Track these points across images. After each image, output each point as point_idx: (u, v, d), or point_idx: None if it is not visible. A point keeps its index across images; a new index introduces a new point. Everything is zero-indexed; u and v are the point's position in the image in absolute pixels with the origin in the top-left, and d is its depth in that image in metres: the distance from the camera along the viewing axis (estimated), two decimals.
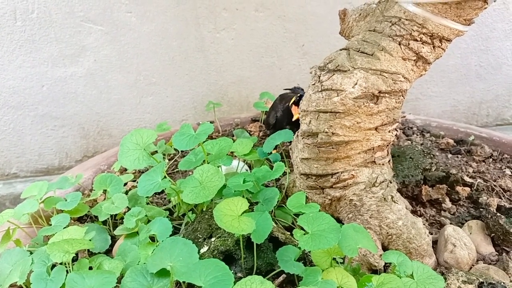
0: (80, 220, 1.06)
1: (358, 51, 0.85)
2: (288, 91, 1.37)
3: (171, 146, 1.31)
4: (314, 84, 0.86)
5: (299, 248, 0.76)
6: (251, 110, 1.95)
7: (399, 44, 0.84)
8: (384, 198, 0.88)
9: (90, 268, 0.82)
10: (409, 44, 0.84)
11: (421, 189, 1.09)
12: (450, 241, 0.90)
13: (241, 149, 1.08)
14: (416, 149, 1.15)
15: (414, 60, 0.85)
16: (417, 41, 0.84)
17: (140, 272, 0.72)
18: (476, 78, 2.04)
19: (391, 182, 0.91)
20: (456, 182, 1.12)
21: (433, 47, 0.85)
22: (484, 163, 1.29)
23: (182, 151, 1.36)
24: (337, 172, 0.89)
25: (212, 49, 1.82)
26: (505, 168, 1.26)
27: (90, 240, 0.88)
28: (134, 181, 1.21)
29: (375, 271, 0.87)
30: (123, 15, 1.70)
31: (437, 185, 1.11)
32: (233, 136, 1.45)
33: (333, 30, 1.86)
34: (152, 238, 0.88)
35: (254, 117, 1.60)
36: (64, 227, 0.89)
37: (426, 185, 1.11)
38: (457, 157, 1.33)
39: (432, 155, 1.15)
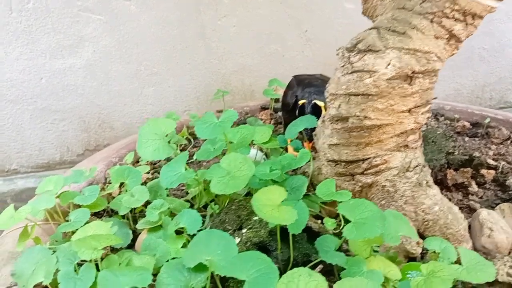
0: (97, 215, 1.01)
1: (389, 30, 0.81)
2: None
3: (183, 136, 1.27)
4: (343, 66, 0.83)
5: (339, 238, 0.73)
6: (255, 98, 1.91)
7: (431, 22, 0.81)
8: (419, 183, 0.85)
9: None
10: (441, 21, 0.80)
11: (445, 173, 1.07)
12: (486, 225, 0.87)
13: (260, 137, 1.04)
14: (438, 132, 1.13)
15: (447, 39, 0.82)
16: (450, 18, 0.80)
17: (175, 267, 0.68)
18: (479, 61, 2.01)
19: (424, 167, 0.88)
20: (480, 165, 1.09)
21: (466, 24, 0.82)
22: (502, 145, 1.27)
23: (195, 141, 1.32)
24: (369, 158, 0.86)
25: (214, 37, 1.77)
26: None
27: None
28: (148, 173, 1.16)
29: (411, 259, 0.84)
30: (122, 3, 1.64)
31: (461, 169, 1.08)
32: (245, 124, 1.41)
33: (336, 15, 1.83)
34: (178, 231, 0.84)
35: (264, 105, 1.56)
36: (85, 223, 0.85)
37: (449, 169, 1.09)
38: (474, 140, 1.31)
39: (454, 138, 1.12)
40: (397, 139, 0.85)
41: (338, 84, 0.83)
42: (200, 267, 0.67)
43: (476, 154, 1.12)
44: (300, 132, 1.02)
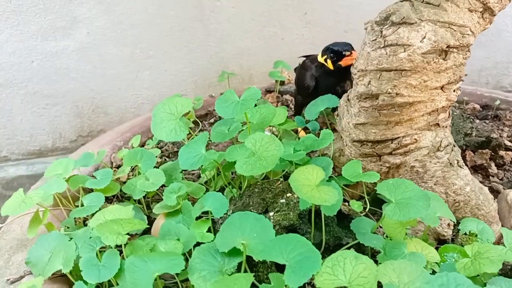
0: (106, 200, 0.96)
1: (422, 2, 0.78)
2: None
3: (190, 119, 1.22)
4: (375, 39, 0.78)
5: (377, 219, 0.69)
6: (253, 83, 1.86)
7: None
8: (450, 163, 0.82)
9: None
10: None
11: (464, 155, 1.04)
12: None
13: (276, 119, 1.00)
14: (455, 113, 1.10)
15: (481, 12, 0.79)
16: None
17: (208, 252, 0.64)
18: (476, 45, 1.97)
19: (455, 146, 0.85)
20: (499, 146, 1.07)
21: None
22: None
23: (203, 125, 1.28)
24: (398, 137, 0.82)
25: (212, 18, 1.71)
26: None
27: None
28: (156, 157, 1.11)
29: (442, 241, 0.81)
30: None
31: (479, 150, 1.05)
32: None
33: None
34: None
35: (268, 87, 1.52)
36: (100, 208, 0.80)
37: (467, 150, 1.06)
38: (485, 122, 1.28)
39: (471, 119, 1.10)
40: (428, 118, 0.81)
41: (368, 60, 0.79)
42: (234, 252, 0.63)
43: (494, 135, 1.10)
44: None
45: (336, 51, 1.03)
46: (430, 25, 0.75)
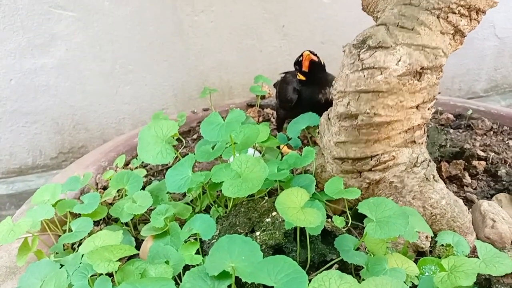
0: (94, 222, 0.97)
1: (397, 26, 0.81)
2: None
3: (173, 137, 1.23)
4: (353, 63, 0.82)
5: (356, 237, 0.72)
6: (233, 95, 1.89)
7: (438, 18, 0.81)
8: (426, 178, 0.86)
9: None
10: (447, 17, 0.81)
11: (440, 166, 1.08)
12: (488, 216, 0.89)
13: (259, 137, 1.02)
14: (430, 125, 1.14)
15: (452, 34, 0.83)
16: (455, 13, 0.81)
17: (198, 275, 0.66)
18: None
19: (430, 161, 0.89)
20: (472, 156, 1.11)
21: (470, 19, 0.83)
22: (486, 136, 1.30)
23: (186, 141, 1.29)
24: (377, 154, 0.85)
25: (191, 32, 1.73)
26: (507, 140, 1.27)
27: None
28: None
29: (421, 253, 0.84)
30: None
31: (454, 161, 1.10)
32: None
33: (312, 9, 1.83)
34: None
35: (249, 102, 1.54)
36: (89, 233, 0.81)
37: (442, 161, 1.10)
38: (459, 131, 1.33)
39: (446, 131, 1.14)
40: (405, 135, 0.85)
41: (347, 82, 0.83)
42: (224, 275, 0.65)
43: (467, 146, 1.14)
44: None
45: (296, 63, 1.12)
46: (405, 48, 0.79)
